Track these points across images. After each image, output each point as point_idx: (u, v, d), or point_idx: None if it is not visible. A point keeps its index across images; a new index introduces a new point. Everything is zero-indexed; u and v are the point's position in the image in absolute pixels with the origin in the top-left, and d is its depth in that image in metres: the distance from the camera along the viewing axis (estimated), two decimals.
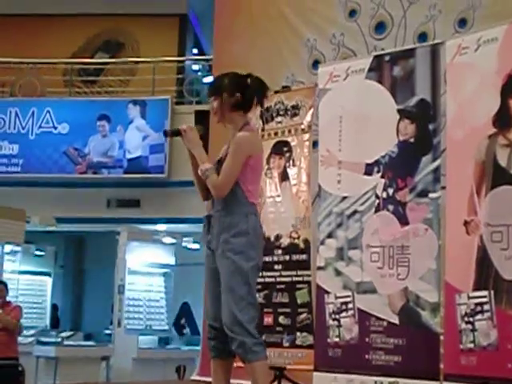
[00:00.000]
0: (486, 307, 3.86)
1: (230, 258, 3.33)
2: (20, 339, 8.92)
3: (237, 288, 3.31)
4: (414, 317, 4.24)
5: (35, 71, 12.01)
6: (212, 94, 3.52)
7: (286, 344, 5.15)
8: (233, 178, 3.36)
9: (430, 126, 4.35)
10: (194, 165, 3.52)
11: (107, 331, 10.73)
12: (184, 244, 10.90)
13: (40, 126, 11.23)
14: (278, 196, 5.39)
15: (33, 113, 11.28)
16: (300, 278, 5.19)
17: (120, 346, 9.16)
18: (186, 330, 10.77)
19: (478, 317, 3.88)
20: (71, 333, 9.73)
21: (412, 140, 4.43)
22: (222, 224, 3.38)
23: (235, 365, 3.49)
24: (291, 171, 5.36)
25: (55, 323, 12.78)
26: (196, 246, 10.88)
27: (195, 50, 14.73)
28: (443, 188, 4.27)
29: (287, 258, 5.27)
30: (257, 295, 3.59)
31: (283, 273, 5.26)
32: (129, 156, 11.01)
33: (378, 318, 4.38)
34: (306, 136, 5.36)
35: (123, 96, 12.04)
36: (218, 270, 3.40)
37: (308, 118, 5.36)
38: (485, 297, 3.87)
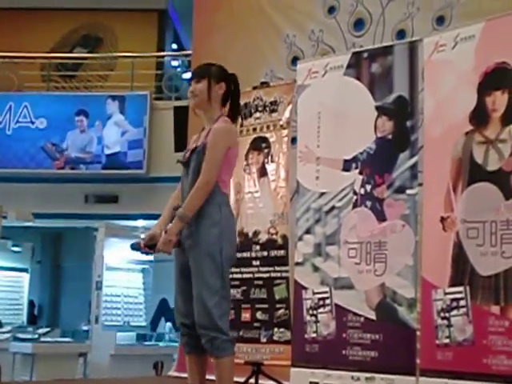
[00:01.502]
0: (462, 303, 3.89)
1: (203, 249, 3.27)
2: None
3: (211, 281, 3.26)
4: (390, 312, 4.26)
5: (13, 66, 11.91)
6: (198, 76, 3.47)
7: (263, 340, 5.16)
8: (218, 170, 3.33)
9: (408, 123, 4.37)
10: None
11: (85, 327, 10.69)
12: None
13: (17, 121, 11.16)
14: (257, 192, 5.39)
15: (10, 107, 11.20)
16: (278, 274, 5.19)
17: (97, 343, 9.12)
18: (164, 329, 10.74)
19: (454, 312, 3.91)
20: (48, 329, 9.67)
21: (390, 137, 4.44)
22: (195, 214, 3.30)
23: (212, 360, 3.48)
24: (270, 167, 5.36)
25: (32, 319, 12.72)
26: None
27: (174, 46, 14.70)
28: (420, 185, 4.29)
29: (265, 253, 5.27)
30: (231, 290, 3.55)
31: (261, 268, 5.26)
32: (107, 151, 10.97)
33: (355, 314, 4.39)
34: (285, 132, 5.36)
35: (102, 91, 11.99)
36: (186, 267, 3.35)
37: (287, 114, 5.36)
38: (460, 292, 3.90)
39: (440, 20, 5.70)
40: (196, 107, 3.51)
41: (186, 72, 11.97)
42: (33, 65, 12.44)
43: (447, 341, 3.91)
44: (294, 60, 6.38)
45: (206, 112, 3.50)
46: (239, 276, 5.26)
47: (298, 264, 4.76)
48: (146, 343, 9.85)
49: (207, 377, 3.48)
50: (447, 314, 3.93)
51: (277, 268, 5.20)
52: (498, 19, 4.05)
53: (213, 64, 3.57)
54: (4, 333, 9.37)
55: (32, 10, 13.36)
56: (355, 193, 4.53)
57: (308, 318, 4.61)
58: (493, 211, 3.84)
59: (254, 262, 5.28)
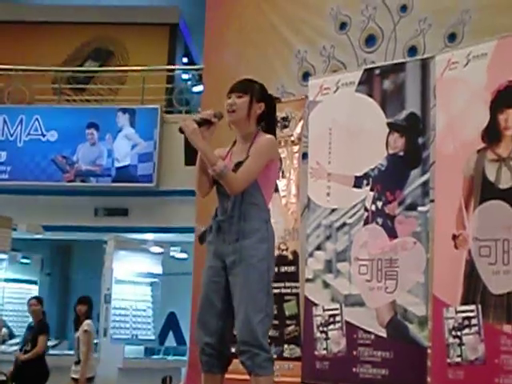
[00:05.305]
0: (474, 321, 3.87)
1: (252, 264, 3.17)
2: (4, 348, 8.88)
3: (258, 298, 3.17)
4: (401, 330, 4.24)
5: (24, 78, 11.96)
6: (240, 91, 3.35)
7: (273, 356, 5.13)
8: (252, 178, 3.23)
9: (420, 140, 4.37)
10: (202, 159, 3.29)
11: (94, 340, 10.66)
12: (171, 253, 10.87)
13: (28, 134, 11.18)
14: None
15: (21, 120, 11.22)
16: (288, 290, 5.18)
17: (106, 356, 9.10)
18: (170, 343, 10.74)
19: (466, 331, 3.89)
20: (57, 341, 9.66)
21: (401, 153, 4.44)
22: (241, 230, 3.22)
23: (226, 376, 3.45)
24: (281, 183, 5.35)
25: None
26: (183, 255, 10.85)
27: (185, 60, 14.75)
28: (432, 201, 4.29)
29: (276, 269, 5.24)
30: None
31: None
32: (117, 165, 10.97)
33: (366, 331, 4.38)
34: (296, 148, 5.36)
35: (112, 104, 12.02)
36: (223, 285, 3.26)
37: (298, 129, 5.36)
38: (472, 311, 3.88)
39: (452, 37, 5.71)
40: (233, 123, 3.37)
41: (196, 85, 11.99)
42: (44, 78, 12.49)
43: (459, 359, 3.89)
44: (305, 76, 6.39)
45: (242, 129, 3.38)
46: None
47: (308, 280, 4.75)
48: (154, 357, 9.83)
49: None
50: (459, 333, 3.92)
51: (287, 284, 5.19)
52: (511, 37, 4.05)
53: (255, 81, 3.46)
54: (13, 345, 9.36)
55: (43, 23, 13.45)
56: (366, 209, 4.53)
57: (318, 334, 4.59)
58: (505, 229, 3.83)
59: None
